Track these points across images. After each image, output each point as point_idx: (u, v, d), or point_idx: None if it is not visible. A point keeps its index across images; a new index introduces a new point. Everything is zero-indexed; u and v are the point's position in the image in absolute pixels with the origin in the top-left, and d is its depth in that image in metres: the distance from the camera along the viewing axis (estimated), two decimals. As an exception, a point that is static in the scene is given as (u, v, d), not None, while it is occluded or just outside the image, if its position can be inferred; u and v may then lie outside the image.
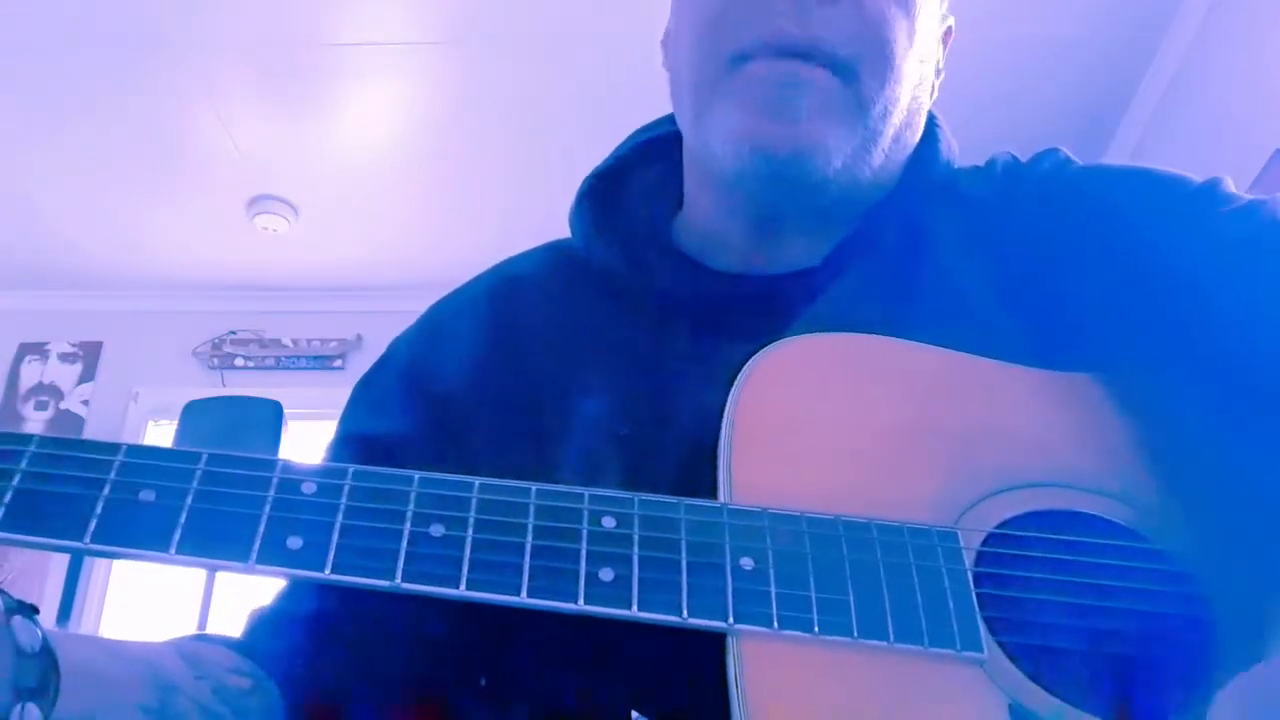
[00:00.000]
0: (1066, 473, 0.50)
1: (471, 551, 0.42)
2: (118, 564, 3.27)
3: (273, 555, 0.41)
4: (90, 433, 3.53)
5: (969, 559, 0.46)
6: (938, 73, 0.66)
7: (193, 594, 2.68)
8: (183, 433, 2.89)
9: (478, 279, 0.72)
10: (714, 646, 0.43)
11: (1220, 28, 2.33)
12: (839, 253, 0.61)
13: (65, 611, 3.07)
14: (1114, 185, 0.62)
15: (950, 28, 0.67)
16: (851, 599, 0.43)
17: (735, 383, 0.50)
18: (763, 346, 0.52)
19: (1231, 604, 0.46)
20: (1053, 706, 0.43)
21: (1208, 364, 0.54)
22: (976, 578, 0.45)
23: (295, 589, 0.61)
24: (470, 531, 0.43)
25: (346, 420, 0.67)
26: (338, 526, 0.42)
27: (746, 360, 0.51)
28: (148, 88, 2.73)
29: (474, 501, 0.44)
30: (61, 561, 3.14)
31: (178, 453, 0.43)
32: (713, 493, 0.48)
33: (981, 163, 0.69)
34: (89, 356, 3.68)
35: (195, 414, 2.90)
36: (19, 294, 3.70)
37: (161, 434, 3.53)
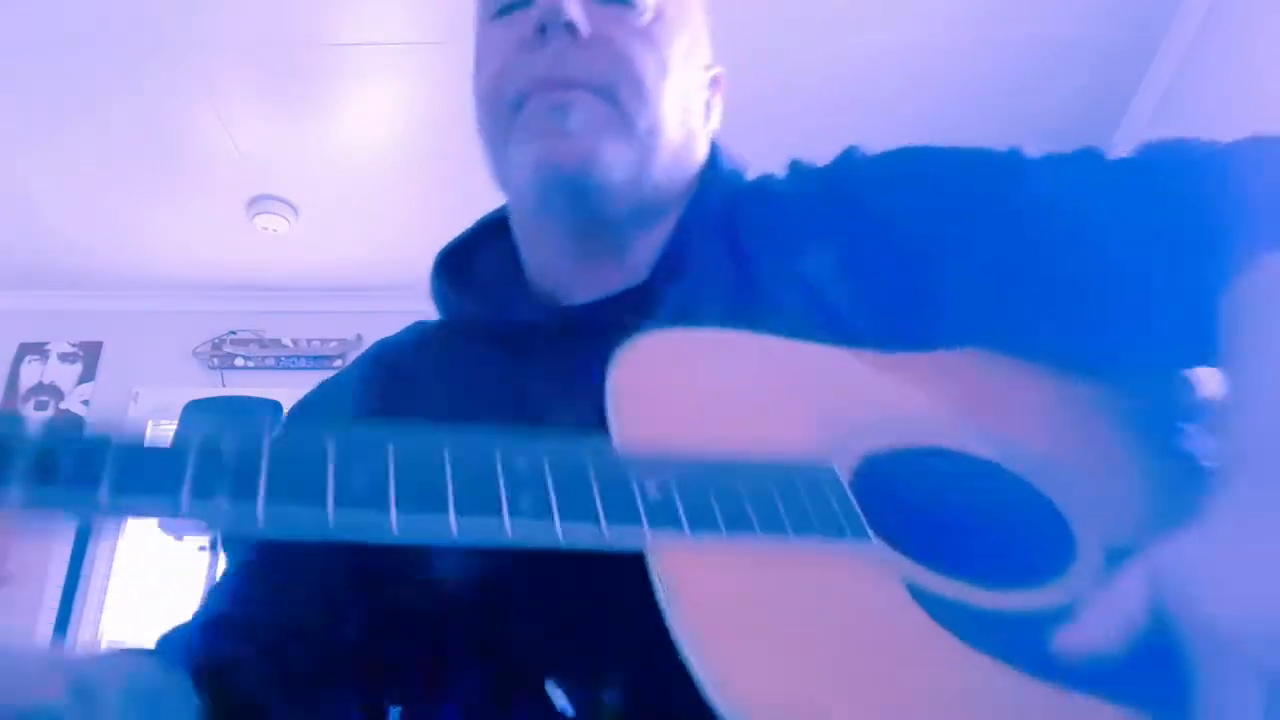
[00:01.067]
0: (924, 420, 0.57)
1: (396, 489, 0.44)
2: (117, 566, 3.27)
3: (204, 494, 0.42)
4: (90, 433, 3.52)
5: (845, 477, 0.52)
6: (708, 109, 0.76)
7: (192, 596, 2.68)
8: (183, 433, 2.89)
9: (358, 359, 0.79)
10: (643, 621, 0.45)
11: (1219, 28, 2.33)
12: (663, 263, 0.69)
13: (61, 629, 3.06)
14: (934, 162, 0.69)
15: (718, 76, 0.77)
16: (750, 508, 0.48)
17: (608, 369, 0.55)
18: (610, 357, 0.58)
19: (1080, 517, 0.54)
20: (946, 583, 0.48)
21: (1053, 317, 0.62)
22: (857, 489, 0.51)
23: (213, 601, 0.66)
24: (392, 474, 0.44)
25: None
26: (264, 473, 0.43)
27: (598, 369, 0.56)
28: (148, 88, 2.73)
29: (392, 450, 0.45)
30: (58, 580, 3.14)
31: (94, 432, 0.44)
32: None
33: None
34: (89, 356, 3.69)
35: (195, 414, 2.91)
36: (19, 294, 3.70)
37: (161, 434, 3.53)
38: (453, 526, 0.43)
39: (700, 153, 0.73)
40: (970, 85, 2.62)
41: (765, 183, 0.74)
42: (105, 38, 2.54)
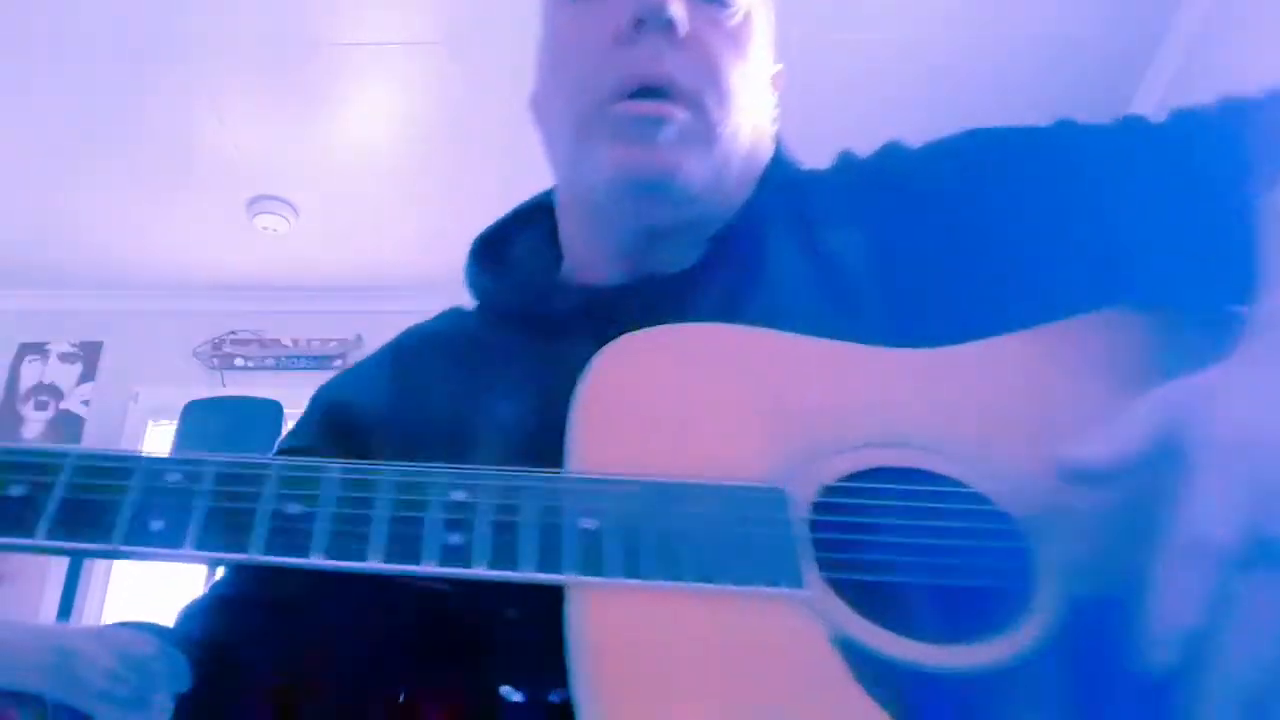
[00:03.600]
0: (901, 434, 0.55)
1: (328, 524, 0.45)
2: (117, 568, 3.27)
3: (136, 537, 0.44)
4: (90, 432, 3.53)
5: (802, 510, 0.50)
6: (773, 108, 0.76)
7: (192, 593, 2.68)
8: (183, 433, 2.89)
9: (388, 343, 0.79)
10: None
11: (1220, 28, 2.33)
12: (711, 252, 0.68)
13: (65, 609, 3.07)
14: (964, 150, 0.69)
15: (779, 72, 0.76)
16: (683, 549, 0.47)
17: (585, 369, 0.55)
18: None
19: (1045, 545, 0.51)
20: (877, 634, 0.46)
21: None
22: (813, 524, 0.50)
23: (218, 584, 0.67)
24: (327, 507, 0.46)
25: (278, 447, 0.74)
26: (201, 509, 0.45)
27: None
28: (148, 88, 2.73)
29: (332, 481, 0.47)
30: (58, 581, 3.14)
31: (46, 450, 0.47)
32: None
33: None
34: (89, 356, 3.69)
35: (195, 414, 2.91)
36: (19, 294, 3.70)
37: (161, 434, 3.54)
38: (372, 565, 0.45)
39: (766, 151, 0.73)
40: (970, 85, 2.62)
41: (812, 175, 0.74)
42: (105, 38, 2.55)
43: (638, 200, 0.65)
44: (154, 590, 3.23)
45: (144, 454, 0.47)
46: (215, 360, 3.61)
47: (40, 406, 3.60)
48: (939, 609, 0.48)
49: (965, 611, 0.48)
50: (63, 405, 3.61)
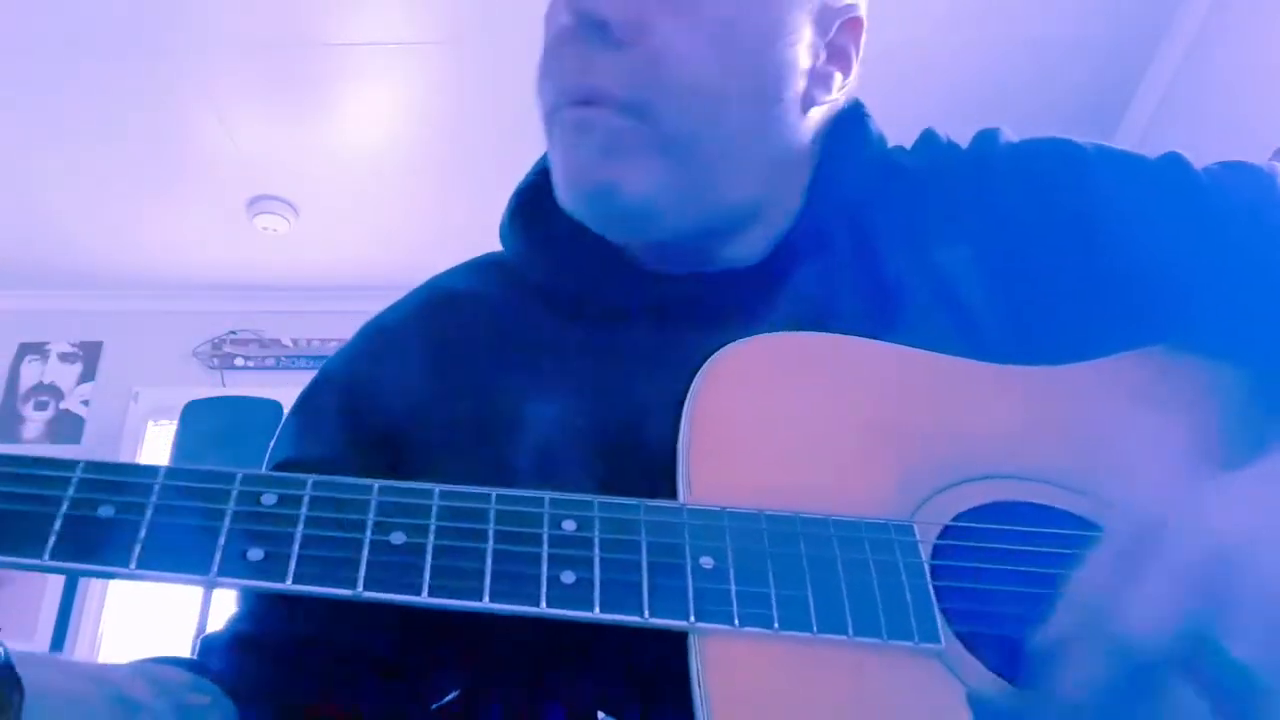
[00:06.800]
0: (1024, 465, 0.51)
1: (433, 558, 0.42)
2: (114, 584, 3.26)
3: (233, 568, 0.41)
4: (90, 433, 3.53)
5: (925, 551, 0.46)
6: (845, 67, 0.66)
7: (189, 611, 2.67)
8: (183, 433, 2.89)
9: (410, 295, 0.72)
10: (681, 647, 0.44)
11: (1220, 27, 2.33)
12: (785, 244, 0.63)
13: (60, 631, 3.06)
14: (1085, 163, 0.64)
15: (856, 18, 0.66)
16: (810, 594, 0.44)
17: (692, 384, 0.51)
18: (717, 340, 0.53)
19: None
20: (1009, 693, 0.43)
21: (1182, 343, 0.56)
22: (934, 569, 0.46)
23: (244, 613, 0.62)
24: (431, 538, 0.43)
25: (280, 446, 0.66)
26: (298, 537, 0.42)
27: (700, 352, 0.52)
28: (148, 88, 2.73)
29: (434, 509, 0.44)
30: (57, 582, 3.14)
31: (135, 467, 0.43)
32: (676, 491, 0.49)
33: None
34: (89, 356, 3.68)
35: (195, 414, 2.91)
36: (19, 294, 3.70)
37: (161, 434, 3.53)
38: (487, 605, 0.42)
39: (808, 126, 0.64)
40: (970, 85, 2.61)
41: (896, 157, 0.68)
42: (105, 38, 2.54)
43: (590, 214, 0.61)
44: (150, 597, 3.22)
45: (236, 471, 0.44)
46: (215, 360, 3.61)
47: (40, 406, 3.60)
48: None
49: None
50: (63, 405, 3.60)
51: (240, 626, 0.62)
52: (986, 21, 2.45)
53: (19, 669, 0.41)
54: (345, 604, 0.57)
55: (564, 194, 0.61)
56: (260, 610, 0.61)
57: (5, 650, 0.41)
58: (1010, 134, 0.68)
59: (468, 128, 2.87)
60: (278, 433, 0.67)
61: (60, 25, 2.51)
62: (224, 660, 0.59)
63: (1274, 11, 2.14)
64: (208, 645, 0.61)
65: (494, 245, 0.73)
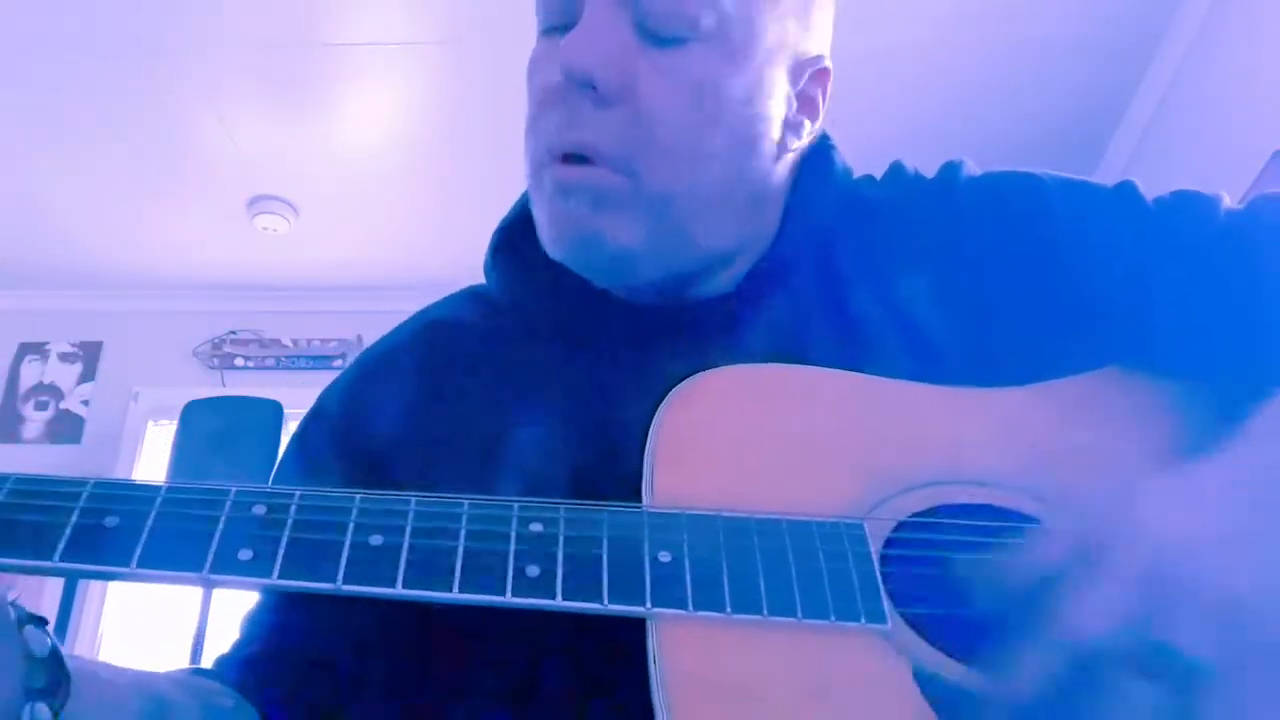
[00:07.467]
0: (972, 471, 0.55)
1: (408, 554, 0.46)
2: (112, 590, 3.26)
3: (225, 566, 0.45)
4: (90, 433, 3.53)
5: (876, 544, 0.50)
6: (813, 115, 0.68)
7: (188, 616, 2.67)
8: (183, 433, 2.89)
9: (401, 325, 0.75)
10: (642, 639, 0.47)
11: (1220, 29, 2.33)
12: (755, 276, 0.66)
13: (60, 631, 3.06)
14: (1043, 194, 0.67)
15: (824, 69, 0.67)
16: (762, 582, 0.47)
17: (662, 403, 0.55)
18: (691, 366, 0.57)
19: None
20: (953, 669, 0.47)
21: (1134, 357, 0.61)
22: (885, 559, 0.50)
23: (250, 634, 0.66)
24: (407, 538, 0.47)
25: (281, 475, 0.70)
26: (285, 539, 0.46)
27: (675, 379, 0.56)
28: (148, 88, 2.73)
29: (411, 513, 0.48)
30: (56, 584, 3.14)
31: (140, 484, 0.48)
32: None
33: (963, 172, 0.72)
34: (89, 356, 3.68)
35: (195, 414, 2.90)
36: (19, 294, 3.70)
37: (161, 434, 3.53)
38: (456, 595, 0.46)
39: (781, 170, 0.66)
40: (970, 85, 2.62)
41: (862, 189, 0.70)
42: (105, 39, 2.55)
43: (578, 264, 0.63)
44: (148, 600, 3.22)
45: (231, 486, 0.49)
46: (215, 360, 3.61)
47: (40, 406, 3.60)
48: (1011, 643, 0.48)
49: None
50: (63, 405, 3.60)
51: (248, 649, 0.65)
52: (986, 22, 2.45)
53: (63, 656, 0.46)
54: (340, 624, 0.60)
55: (551, 245, 0.63)
56: (263, 633, 0.65)
57: (53, 642, 0.45)
58: (974, 167, 0.71)
59: (468, 128, 2.87)
60: (277, 466, 0.72)
61: (60, 25, 2.51)
62: (238, 673, 0.63)
63: (1273, 13, 2.14)
64: (219, 663, 0.65)
65: (493, 245, 0.73)
